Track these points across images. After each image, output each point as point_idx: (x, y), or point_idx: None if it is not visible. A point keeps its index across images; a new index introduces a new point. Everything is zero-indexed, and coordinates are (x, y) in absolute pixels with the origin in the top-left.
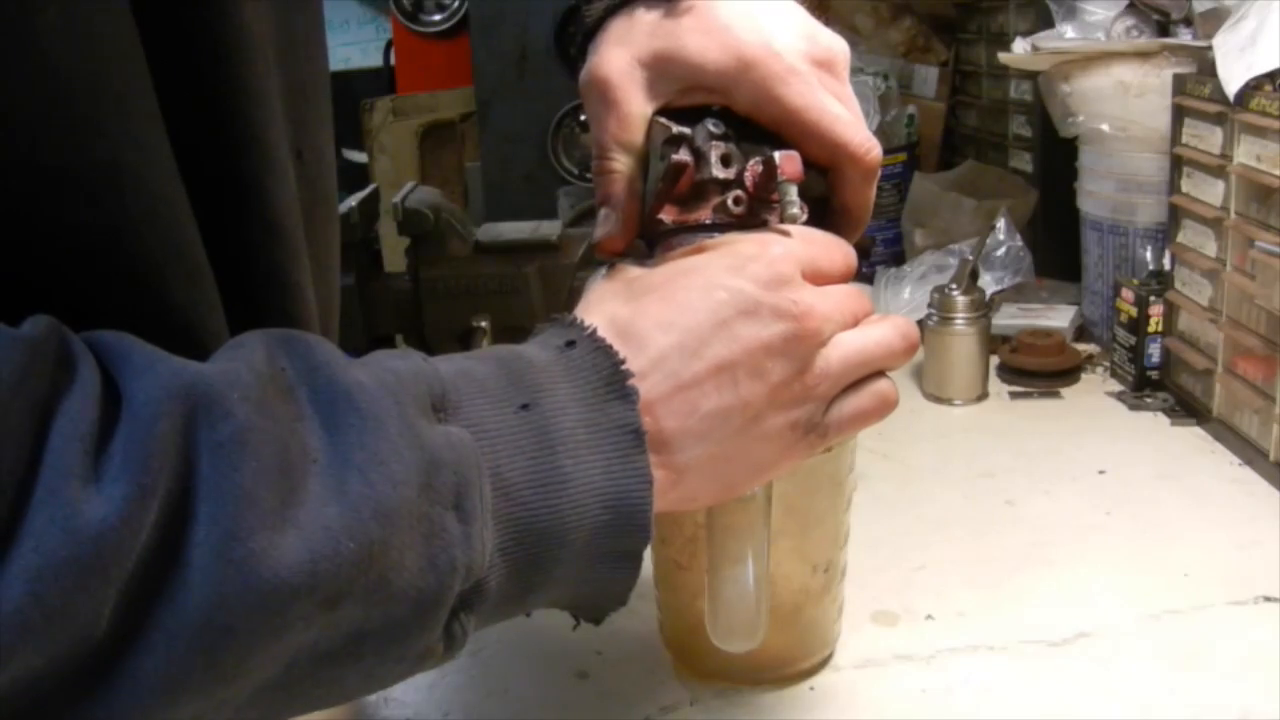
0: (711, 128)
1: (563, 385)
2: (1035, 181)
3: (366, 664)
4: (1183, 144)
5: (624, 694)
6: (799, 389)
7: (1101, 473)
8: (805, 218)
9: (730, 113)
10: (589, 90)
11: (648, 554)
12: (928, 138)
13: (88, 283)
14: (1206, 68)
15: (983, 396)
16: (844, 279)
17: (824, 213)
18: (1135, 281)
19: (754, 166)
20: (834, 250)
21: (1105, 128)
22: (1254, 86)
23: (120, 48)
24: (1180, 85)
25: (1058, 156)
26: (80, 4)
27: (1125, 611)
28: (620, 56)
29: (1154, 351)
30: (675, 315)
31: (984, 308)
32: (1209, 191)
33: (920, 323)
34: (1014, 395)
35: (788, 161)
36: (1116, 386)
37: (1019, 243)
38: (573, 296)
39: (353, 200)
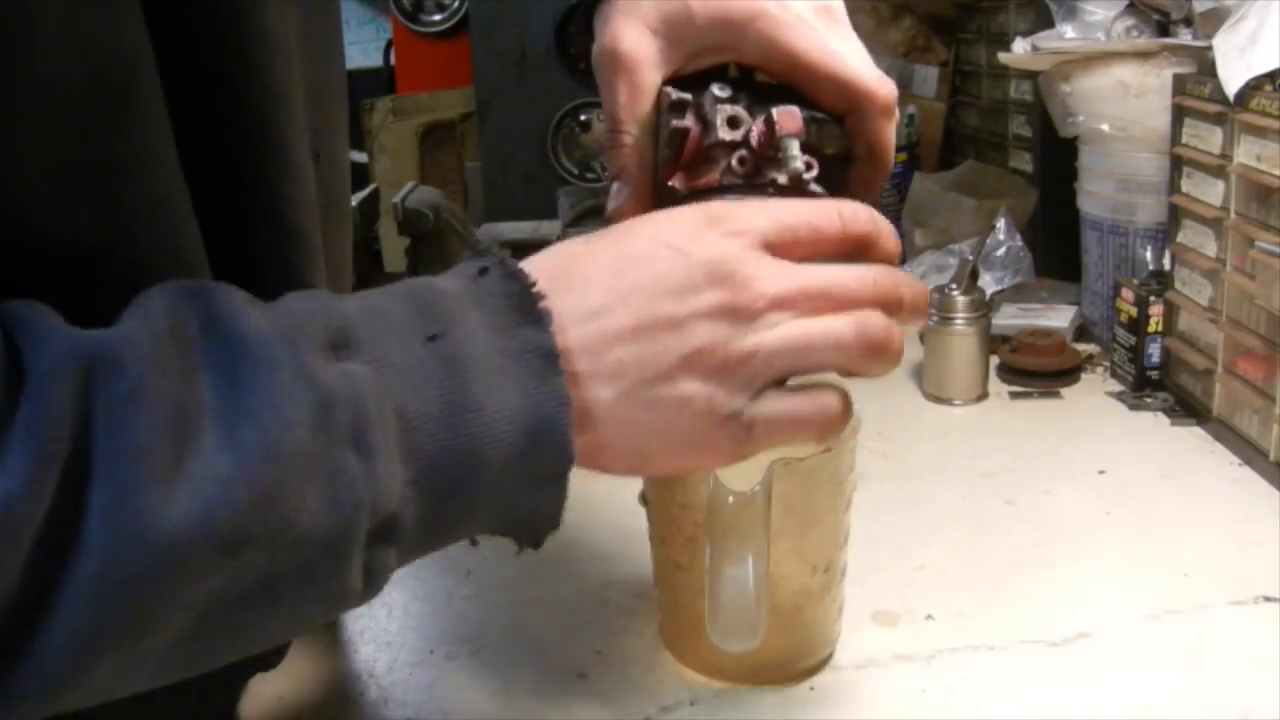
0: (717, 91)
1: (473, 312)
2: (1035, 181)
3: (284, 607)
4: (1183, 144)
5: (624, 694)
6: (720, 359)
7: (1101, 473)
8: (814, 173)
9: (744, 77)
10: (600, 64)
11: (646, 551)
12: (928, 138)
13: (83, 283)
14: (1206, 68)
15: (983, 396)
16: (837, 248)
17: (845, 169)
18: (1135, 281)
19: (758, 126)
20: (825, 221)
21: (1105, 128)
22: (1254, 86)
23: (125, 51)
24: (1180, 85)
25: (1058, 156)
26: (83, 9)
27: (1125, 611)
28: (630, 27)
29: (1154, 351)
30: (610, 263)
31: (984, 308)
32: (1209, 191)
33: None
34: (1014, 395)
35: (785, 117)
36: (1116, 386)
37: (1019, 243)
38: None
39: (353, 200)
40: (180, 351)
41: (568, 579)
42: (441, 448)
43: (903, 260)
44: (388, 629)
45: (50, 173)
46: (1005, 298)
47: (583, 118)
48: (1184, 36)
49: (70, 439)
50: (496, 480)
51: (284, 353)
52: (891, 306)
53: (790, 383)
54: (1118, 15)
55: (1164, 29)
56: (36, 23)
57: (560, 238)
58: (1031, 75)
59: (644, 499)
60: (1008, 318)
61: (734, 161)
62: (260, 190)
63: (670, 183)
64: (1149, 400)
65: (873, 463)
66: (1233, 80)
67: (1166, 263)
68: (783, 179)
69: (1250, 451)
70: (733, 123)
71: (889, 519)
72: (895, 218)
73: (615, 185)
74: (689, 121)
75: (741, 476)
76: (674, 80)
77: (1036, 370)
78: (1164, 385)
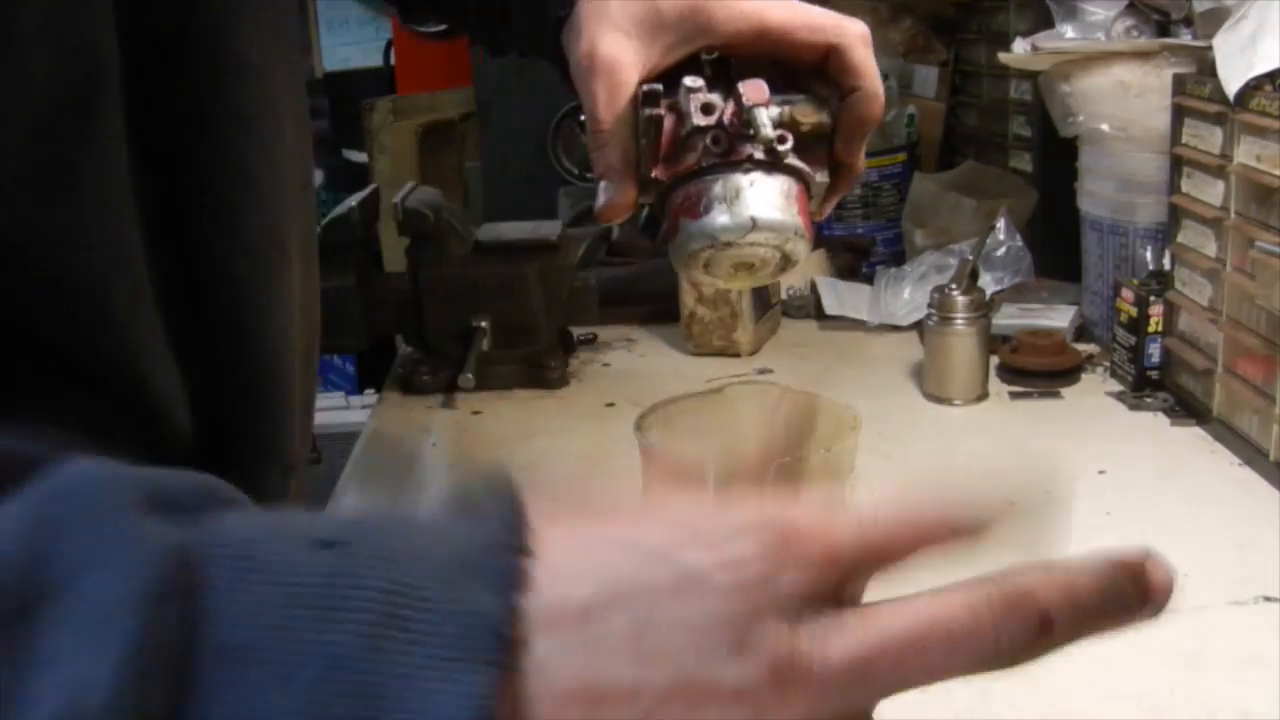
0: (688, 82)
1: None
2: (1035, 181)
3: None
4: (1183, 144)
5: None
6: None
7: (1101, 473)
8: (789, 145)
9: (720, 63)
10: (579, 71)
11: None
12: (928, 138)
13: (26, 285)
14: (1206, 68)
15: (983, 396)
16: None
17: (825, 148)
18: (1135, 281)
19: (730, 106)
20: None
21: (1105, 128)
22: (1254, 86)
23: (96, 57)
24: (1180, 85)
25: (1058, 156)
26: (58, 10)
27: None
28: (604, 32)
29: (1154, 351)
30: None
31: (984, 308)
32: (1209, 191)
33: (920, 323)
34: (1014, 395)
35: (750, 89)
36: (1116, 386)
37: (1019, 243)
38: (572, 296)
39: (353, 200)
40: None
41: None
42: None
43: (903, 260)
44: None
45: (8, 171)
46: (1005, 298)
47: (582, 118)
48: (1184, 36)
49: None
50: None
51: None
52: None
53: None
54: (1118, 15)
55: (1164, 29)
56: (15, 20)
57: (561, 237)
58: (1031, 75)
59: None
60: (1008, 318)
61: (708, 141)
62: (220, 207)
63: (653, 174)
64: (1149, 400)
65: (873, 463)
66: (1233, 80)
67: (1166, 263)
68: (758, 153)
69: (1250, 451)
70: (706, 109)
71: None
72: (895, 218)
73: (602, 183)
74: (661, 110)
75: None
76: (651, 78)
77: (1036, 370)
78: (1164, 385)
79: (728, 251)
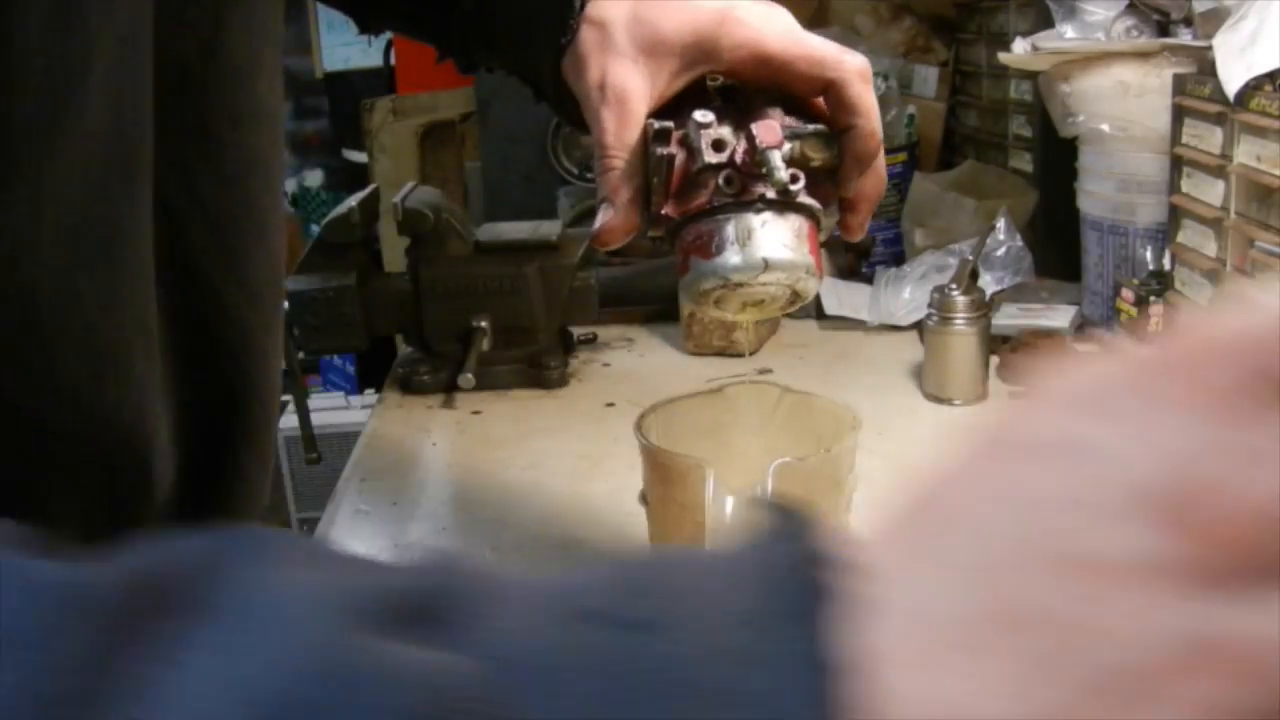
0: (699, 118)
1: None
2: (1035, 181)
3: None
4: (1183, 144)
5: None
6: None
7: None
8: (801, 184)
9: (727, 91)
10: (588, 99)
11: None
12: (928, 138)
13: (74, 348)
14: (1206, 68)
15: (983, 396)
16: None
17: (831, 183)
18: (1135, 281)
19: (742, 144)
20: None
21: (1105, 128)
22: (1254, 86)
23: (141, 113)
24: (1180, 85)
25: (1058, 156)
26: (118, 68)
27: None
28: (614, 61)
29: None
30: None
31: (984, 308)
32: (1209, 191)
33: (920, 323)
34: (1014, 395)
35: (764, 130)
36: None
37: (1019, 243)
38: (572, 296)
39: (353, 200)
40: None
41: None
42: None
43: (903, 260)
44: None
45: (60, 233)
46: (1005, 298)
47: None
48: (1184, 36)
49: None
50: None
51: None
52: None
53: None
54: (1118, 15)
55: (1164, 29)
56: (86, 77)
57: (560, 237)
58: (1031, 75)
59: (644, 499)
60: (1008, 318)
61: (721, 181)
62: (234, 253)
63: (664, 211)
64: None
65: (873, 463)
66: (1233, 80)
67: (1166, 263)
68: (771, 193)
69: None
70: (717, 146)
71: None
72: (895, 218)
73: (603, 206)
74: (673, 148)
75: (741, 476)
76: (659, 108)
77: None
78: None
79: (739, 290)
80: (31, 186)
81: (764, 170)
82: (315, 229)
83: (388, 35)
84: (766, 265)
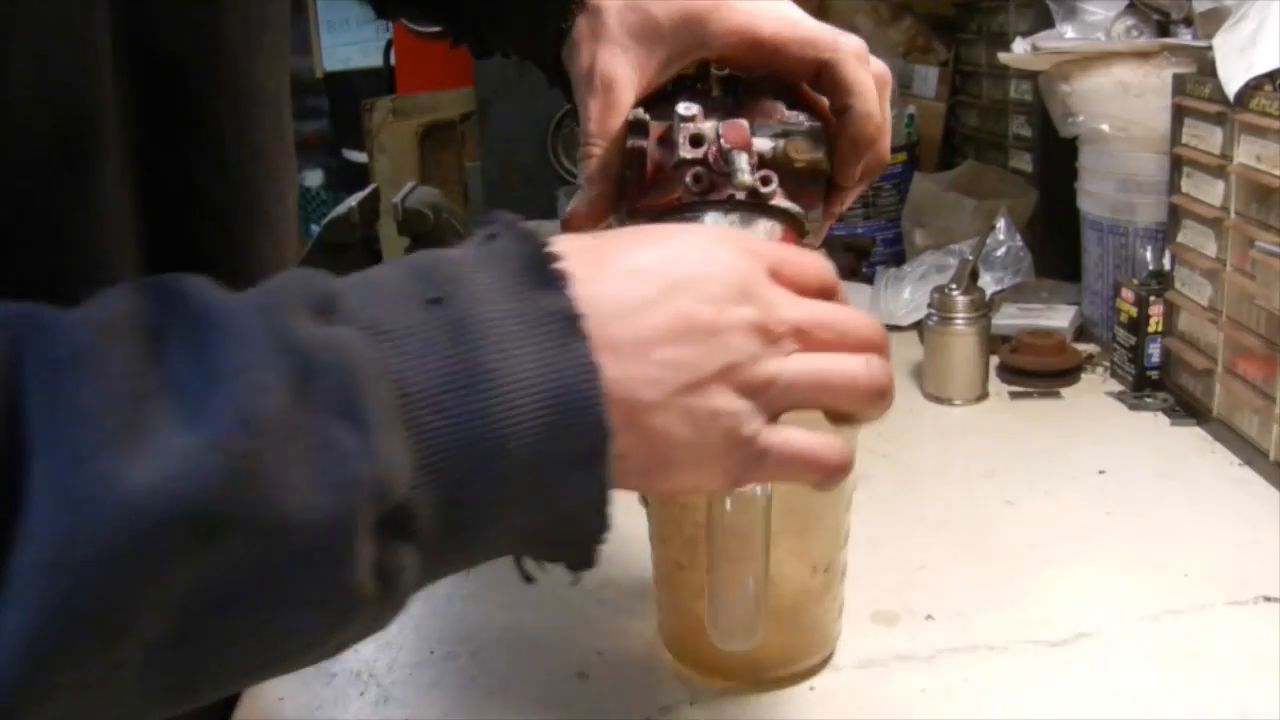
0: (682, 110)
1: (481, 274)
2: (1035, 181)
3: (282, 612)
4: (1183, 144)
5: (624, 694)
6: (749, 377)
7: (1102, 473)
8: (773, 186)
9: (727, 80)
10: (579, 86)
11: (646, 551)
12: (928, 138)
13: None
14: (1206, 68)
15: (983, 396)
16: (820, 294)
17: (818, 187)
18: (1135, 281)
19: (717, 142)
20: (812, 264)
21: (1105, 128)
22: (1254, 86)
23: (93, 106)
24: (1180, 85)
25: (1058, 156)
26: (55, 59)
27: (1125, 611)
28: (603, 49)
29: (1154, 351)
30: (647, 260)
31: (984, 308)
32: (1209, 191)
33: (920, 323)
34: (1014, 395)
35: (730, 129)
36: (1116, 386)
37: (1019, 243)
38: None
39: (353, 200)
40: (139, 326)
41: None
42: (451, 422)
43: (903, 260)
44: (388, 629)
45: None
46: (1005, 298)
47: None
48: (1184, 36)
49: None
50: (522, 466)
51: (256, 319)
52: (886, 353)
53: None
54: (1118, 15)
55: (1164, 29)
56: (7, 73)
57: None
58: (1031, 75)
59: (644, 499)
60: (1008, 318)
61: (689, 179)
62: (237, 245)
63: (638, 204)
64: (1149, 400)
65: (873, 463)
66: (1233, 80)
67: (1166, 263)
68: (740, 194)
69: (1250, 451)
70: (695, 141)
71: (889, 519)
72: (895, 218)
73: (578, 192)
74: (643, 141)
75: None
76: (652, 95)
77: (1036, 370)
78: (1164, 385)
79: None
80: None
81: (729, 170)
82: (315, 229)
83: (388, 35)
84: None
